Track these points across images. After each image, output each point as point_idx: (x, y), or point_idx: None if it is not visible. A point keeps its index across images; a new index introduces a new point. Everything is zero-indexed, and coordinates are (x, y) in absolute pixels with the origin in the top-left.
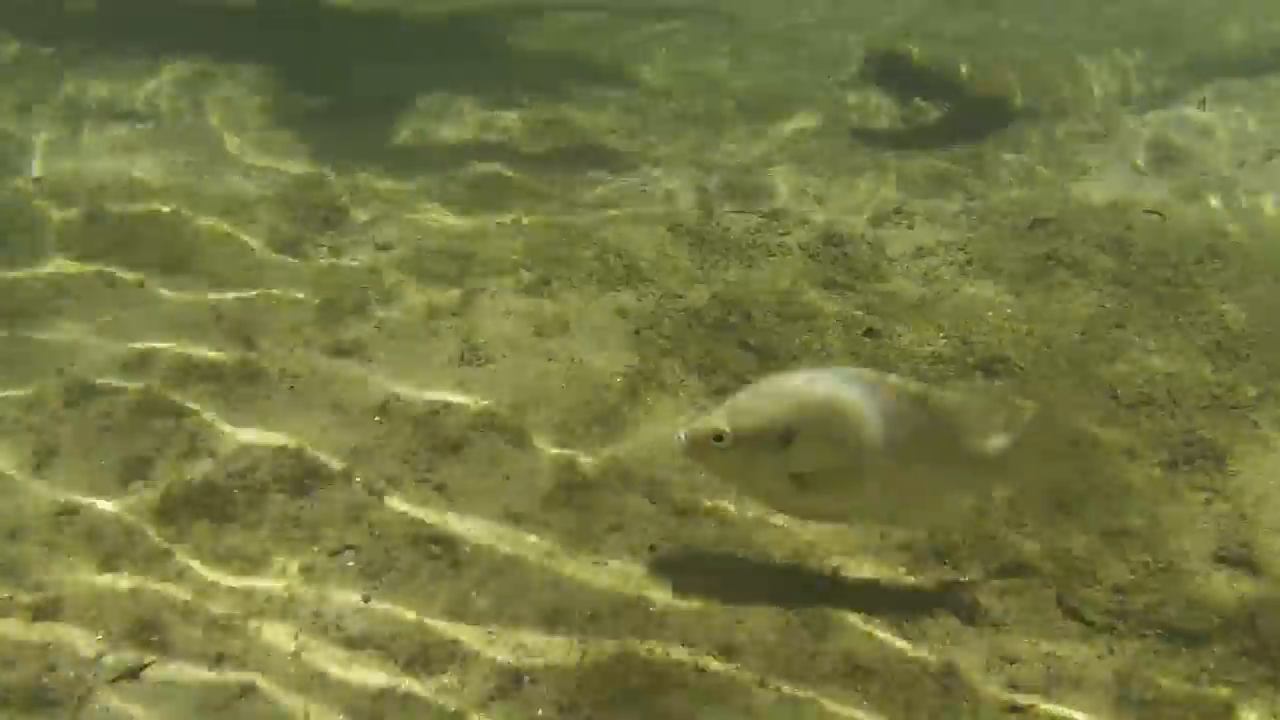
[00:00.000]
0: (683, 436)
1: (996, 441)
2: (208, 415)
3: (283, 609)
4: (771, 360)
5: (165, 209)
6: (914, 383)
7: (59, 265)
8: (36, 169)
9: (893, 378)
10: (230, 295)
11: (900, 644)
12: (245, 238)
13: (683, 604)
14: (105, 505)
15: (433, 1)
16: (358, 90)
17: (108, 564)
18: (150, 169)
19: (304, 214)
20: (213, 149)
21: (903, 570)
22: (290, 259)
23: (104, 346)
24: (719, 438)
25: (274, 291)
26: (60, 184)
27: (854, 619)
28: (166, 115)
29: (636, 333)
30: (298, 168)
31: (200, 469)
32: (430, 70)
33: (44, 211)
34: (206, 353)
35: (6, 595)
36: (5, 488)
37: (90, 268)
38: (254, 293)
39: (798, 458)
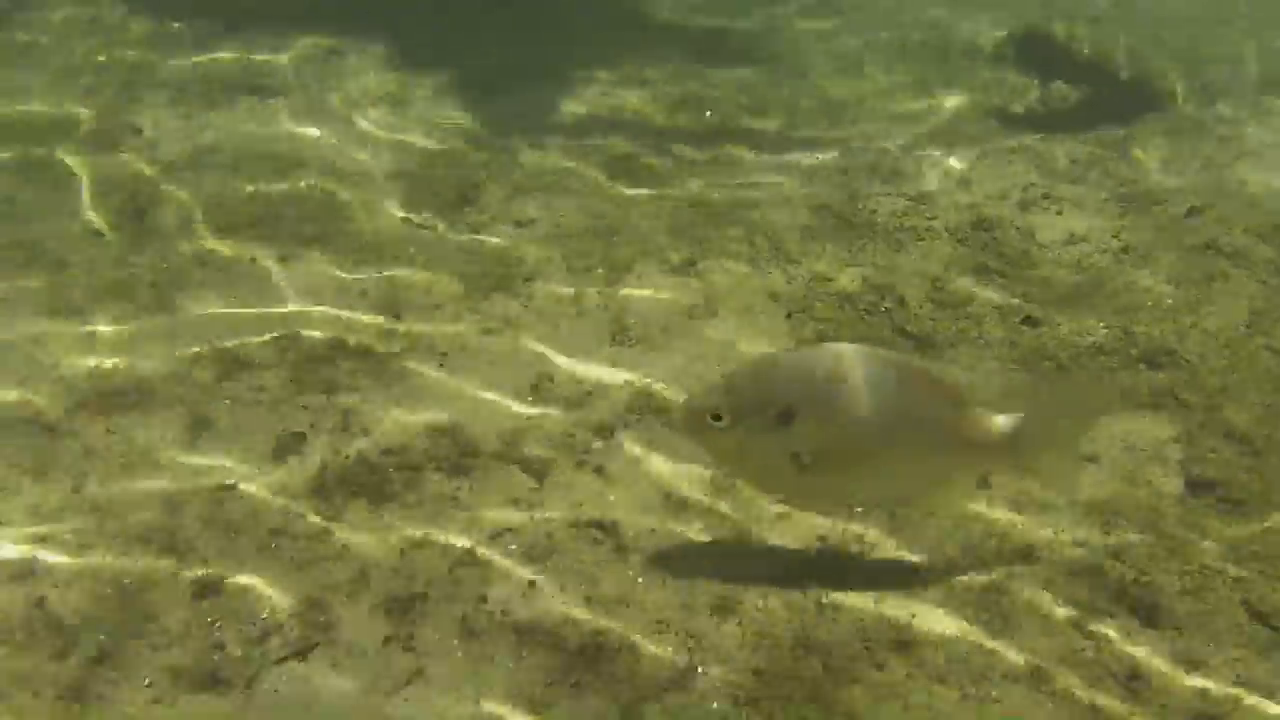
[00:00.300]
0: (678, 414)
1: (1003, 421)
2: (359, 391)
3: (447, 593)
4: (929, 348)
5: (302, 184)
6: (920, 359)
7: (201, 240)
8: (170, 144)
9: (896, 354)
10: (372, 271)
11: (1081, 644)
12: (383, 212)
13: (855, 596)
14: (261, 481)
15: None
16: (489, 66)
17: (267, 541)
18: (284, 144)
19: (440, 189)
20: (345, 123)
21: (1079, 568)
22: (429, 235)
23: (251, 321)
24: (717, 416)
25: (416, 267)
26: (194, 159)
27: (1033, 618)
28: (296, 90)
29: (789, 316)
30: (431, 143)
31: (355, 446)
32: (562, 45)
33: (180, 186)
34: (354, 329)
35: (170, 572)
36: (162, 461)
37: (231, 242)
38: (396, 269)
39: (799, 437)
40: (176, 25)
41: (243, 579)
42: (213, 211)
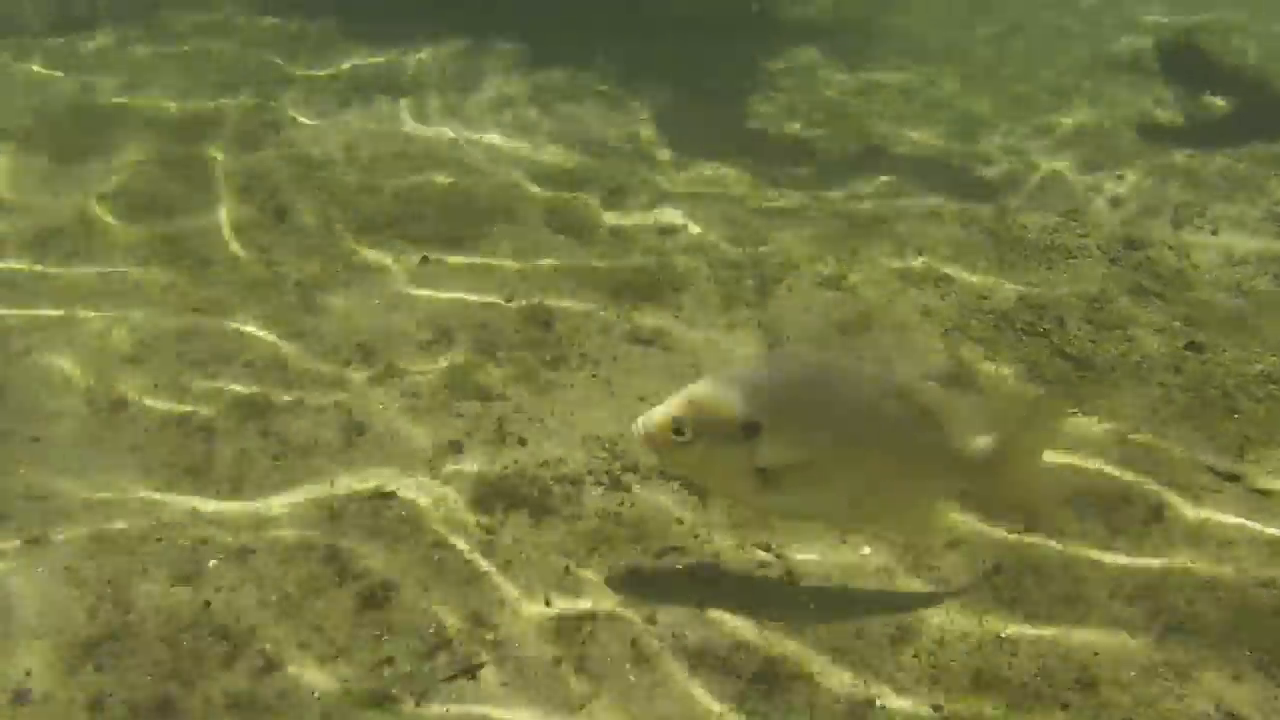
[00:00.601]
0: (640, 428)
1: (981, 442)
2: (512, 400)
3: (612, 615)
4: (1089, 370)
5: (440, 183)
6: (894, 374)
7: (341, 239)
8: (308, 143)
9: (869, 367)
10: (518, 274)
11: (1273, 692)
12: (525, 213)
13: (1032, 630)
14: (420, 490)
15: None
16: (622, 68)
17: (429, 553)
18: (420, 144)
19: (580, 193)
20: (481, 124)
21: (1263, 607)
22: (573, 239)
23: (397, 324)
24: (679, 431)
25: (563, 272)
26: (332, 158)
27: (1218, 665)
28: (431, 90)
29: (945, 333)
30: (567, 146)
31: (511, 456)
32: (693, 45)
33: (320, 185)
34: (503, 335)
35: (336, 582)
36: (318, 467)
37: (371, 241)
38: (543, 272)
39: (764, 451)
40: (306, 26)
41: (407, 592)
42: (353, 211)
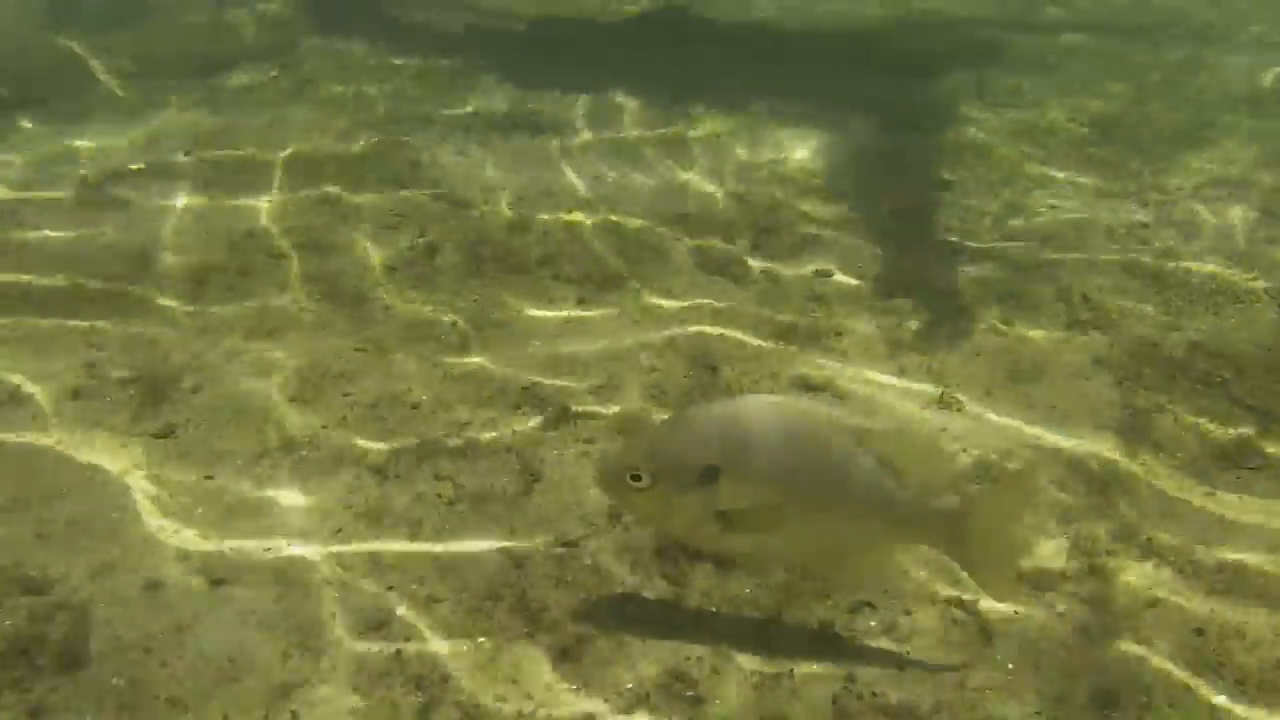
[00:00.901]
0: (597, 473)
1: (946, 500)
2: None
3: (812, 671)
4: (1275, 423)
5: (588, 223)
6: (864, 421)
7: (492, 278)
8: (451, 180)
9: (837, 411)
10: (674, 317)
11: None
12: (674, 255)
13: (1247, 709)
14: (604, 541)
15: (822, 11)
16: (764, 105)
17: (619, 605)
18: (563, 181)
19: (731, 233)
20: (624, 162)
21: None
22: (725, 279)
23: (561, 367)
24: (636, 476)
25: (720, 316)
26: (475, 195)
27: None
28: (568, 128)
29: (1119, 383)
30: (712, 184)
31: None
32: (829, 84)
33: (465, 223)
34: (670, 379)
35: (525, 633)
36: (497, 514)
37: (527, 280)
38: (698, 315)
39: (722, 496)
40: (436, 62)
41: (601, 645)
42: (502, 249)
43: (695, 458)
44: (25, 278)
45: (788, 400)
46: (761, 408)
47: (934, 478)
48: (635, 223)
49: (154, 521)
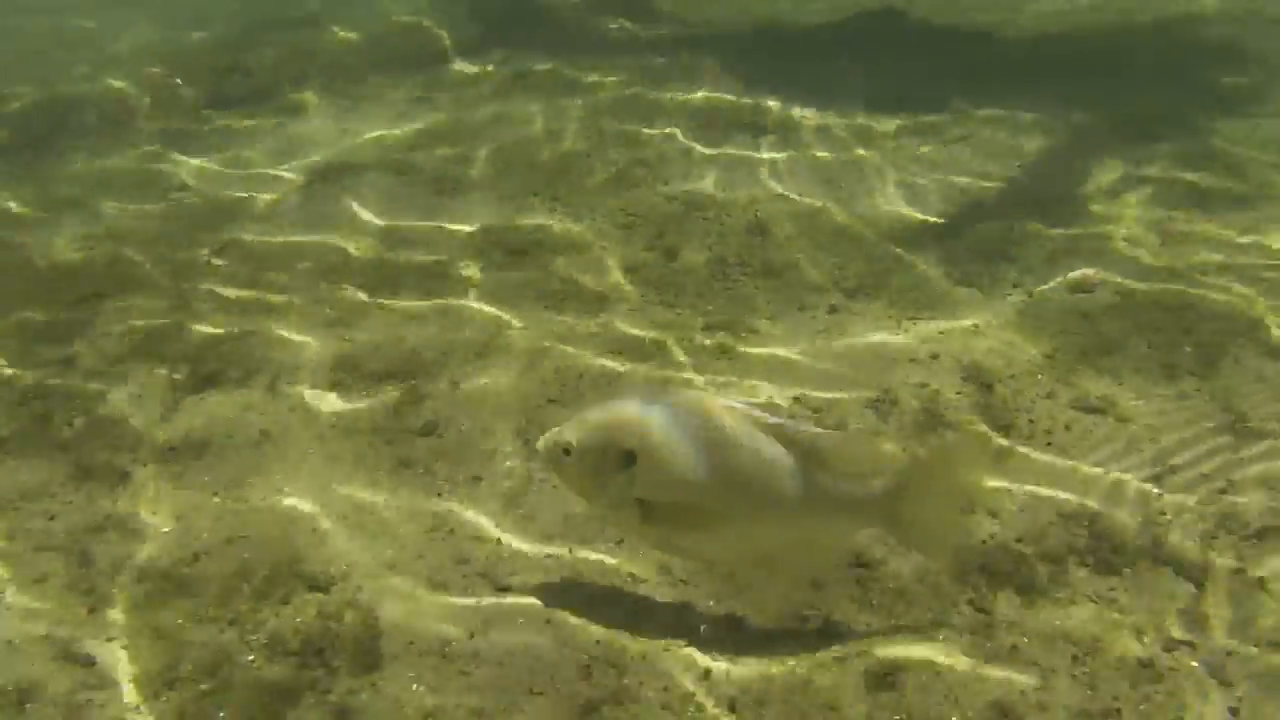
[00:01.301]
0: (539, 445)
1: (874, 485)
2: None
3: (1139, 708)
4: None
5: (830, 221)
6: (787, 417)
7: (739, 280)
8: (679, 178)
9: (759, 410)
10: (936, 334)
11: None
12: (921, 267)
13: None
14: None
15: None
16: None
17: (934, 632)
18: (793, 181)
19: (976, 245)
20: (846, 172)
21: None
22: (976, 293)
23: (830, 377)
24: (567, 450)
25: (978, 330)
26: (709, 195)
27: None
28: (789, 126)
29: None
30: (946, 197)
31: (987, 530)
32: (1051, 92)
33: (724, 224)
34: (941, 395)
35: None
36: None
37: (773, 283)
38: (958, 331)
39: (639, 483)
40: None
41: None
42: (745, 252)
43: (614, 442)
44: None
45: (716, 399)
46: (685, 402)
47: (865, 468)
48: (876, 228)
49: None
